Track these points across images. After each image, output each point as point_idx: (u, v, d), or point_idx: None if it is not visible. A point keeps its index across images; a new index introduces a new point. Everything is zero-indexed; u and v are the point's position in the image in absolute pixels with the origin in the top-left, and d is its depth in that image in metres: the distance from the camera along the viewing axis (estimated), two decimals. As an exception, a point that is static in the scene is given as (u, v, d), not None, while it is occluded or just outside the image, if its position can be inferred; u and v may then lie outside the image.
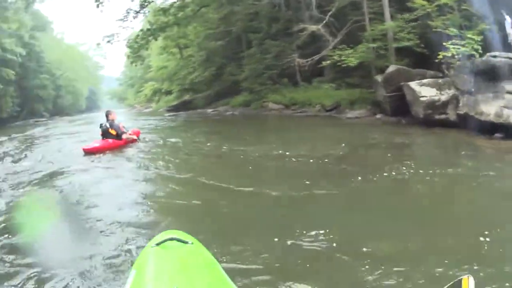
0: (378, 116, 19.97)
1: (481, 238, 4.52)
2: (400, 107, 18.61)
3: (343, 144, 11.87)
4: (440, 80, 17.23)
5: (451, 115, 16.36)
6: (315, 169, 8.75)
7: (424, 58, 20.13)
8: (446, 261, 4.03)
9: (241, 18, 30.35)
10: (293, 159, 9.76)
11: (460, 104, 16.09)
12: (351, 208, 6.18)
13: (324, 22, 22.08)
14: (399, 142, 13.48)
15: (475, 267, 3.87)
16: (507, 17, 15.97)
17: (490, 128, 14.31)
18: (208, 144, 13.06)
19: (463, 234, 4.90)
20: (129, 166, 9.78)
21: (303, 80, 26.44)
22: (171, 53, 41.90)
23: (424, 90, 16.82)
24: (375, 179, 7.68)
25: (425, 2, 18.19)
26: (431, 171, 7.98)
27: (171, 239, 2.88)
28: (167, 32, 32.96)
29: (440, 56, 16.45)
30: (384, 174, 8.00)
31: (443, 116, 16.46)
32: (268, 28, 28.59)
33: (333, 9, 22.04)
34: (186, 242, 2.87)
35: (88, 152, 11.11)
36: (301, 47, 26.37)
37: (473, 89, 15.64)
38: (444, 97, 16.43)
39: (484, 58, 15.25)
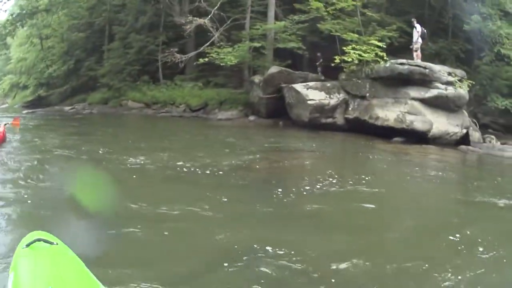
0: (252, 118, 17.54)
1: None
2: (277, 109, 16.55)
3: (241, 150, 9.95)
4: (328, 84, 15.28)
5: (339, 119, 14.56)
6: (228, 182, 7.01)
7: (304, 60, 18.59)
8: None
9: (108, 9, 26.71)
10: (197, 170, 7.49)
11: (350, 108, 14.42)
12: (284, 225, 4.95)
13: (210, 16, 18.89)
14: (297, 147, 11.49)
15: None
16: (417, 25, 14.69)
17: (383, 132, 13.09)
18: (83, 148, 9.81)
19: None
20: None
21: (164, 78, 23.45)
22: (32, 44, 35.24)
23: (312, 93, 14.68)
24: (298, 189, 6.48)
25: (320, 5, 16.08)
26: (356, 179, 7.29)
27: (39, 240, 2.88)
28: (35, 19, 28.39)
29: (337, 60, 14.62)
30: (305, 184, 6.91)
31: (329, 120, 14.54)
32: (134, 21, 24.90)
33: (218, 3, 19.07)
34: (52, 243, 2.89)
35: None
36: (166, 43, 23.10)
37: (367, 94, 14.10)
38: (333, 101, 14.49)
39: (387, 64, 13.88)
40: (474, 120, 15.00)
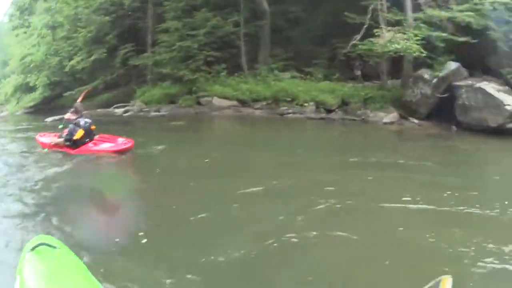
0: (416, 121, 16.02)
1: None
2: (438, 110, 15.82)
3: None
4: (499, 86, 15.06)
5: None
6: None
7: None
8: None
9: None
10: None
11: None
12: None
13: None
14: None
15: None
16: None
17: None
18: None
19: None
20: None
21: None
22: (40, 35, 28.06)
23: (506, 98, 14.30)
24: None
25: None
26: None
27: (42, 244, 2.95)
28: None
29: None
30: None
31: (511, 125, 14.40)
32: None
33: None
34: (54, 247, 2.97)
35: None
36: (239, 23, 20.18)
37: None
38: (521, 104, 14.51)
39: None
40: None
